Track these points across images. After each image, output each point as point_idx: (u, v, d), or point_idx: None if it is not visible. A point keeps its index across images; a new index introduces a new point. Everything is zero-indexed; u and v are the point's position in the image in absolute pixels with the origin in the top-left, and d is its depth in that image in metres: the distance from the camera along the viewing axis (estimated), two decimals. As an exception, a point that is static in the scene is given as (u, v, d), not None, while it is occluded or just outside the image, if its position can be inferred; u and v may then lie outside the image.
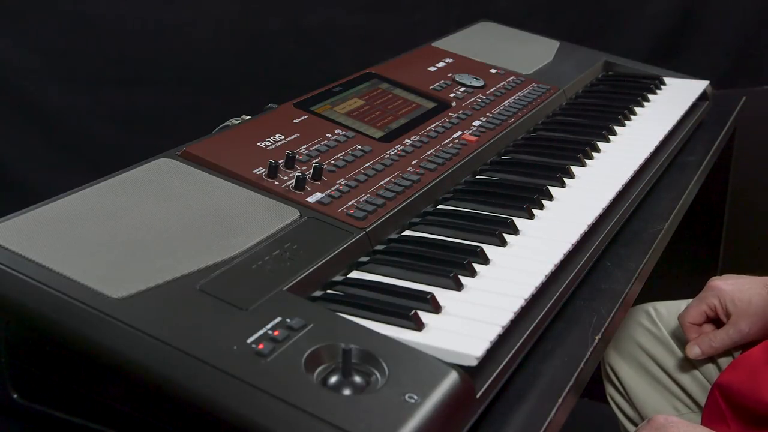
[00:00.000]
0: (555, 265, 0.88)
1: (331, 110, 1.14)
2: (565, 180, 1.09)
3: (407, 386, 0.65)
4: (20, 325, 0.73)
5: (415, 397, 0.64)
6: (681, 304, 1.22)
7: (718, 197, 1.63)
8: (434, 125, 1.16)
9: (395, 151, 1.07)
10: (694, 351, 1.11)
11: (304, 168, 0.98)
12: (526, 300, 0.81)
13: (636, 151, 1.19)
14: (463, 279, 0.84)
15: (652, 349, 1.20)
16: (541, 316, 0.82)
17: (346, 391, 0.65)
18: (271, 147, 1.01)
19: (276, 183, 0.94)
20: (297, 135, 1.05)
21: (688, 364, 1.17)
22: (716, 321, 1.13)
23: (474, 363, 0.71)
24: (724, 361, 1.12)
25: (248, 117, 1.13)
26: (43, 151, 1.82)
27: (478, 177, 1.12)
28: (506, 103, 1.29)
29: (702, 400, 1.14)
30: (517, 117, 1.25)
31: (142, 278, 0.74)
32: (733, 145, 1.55)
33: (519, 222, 0.96)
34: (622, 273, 0.97)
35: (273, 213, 0.89)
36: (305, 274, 0.80)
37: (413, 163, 1.05)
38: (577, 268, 0.91)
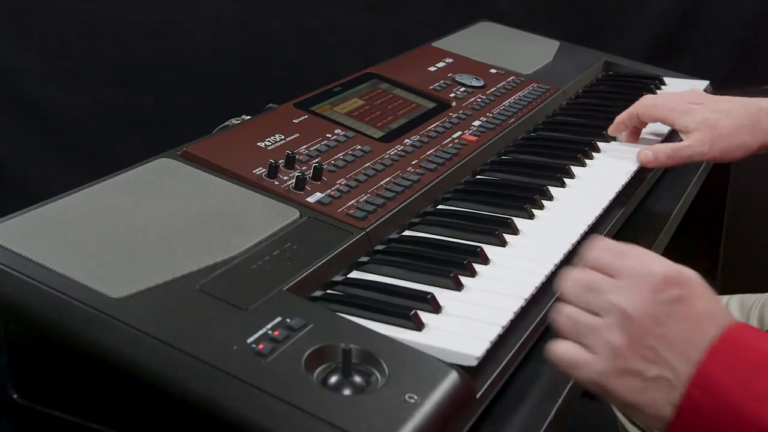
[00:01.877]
0: (555, 265, 0.88)
1: (331, 110, 1.14)
2: (565, 180, 1.09)
3: (407, 386, 0.65)
4: (20, 325, 0.73)
5: (415, 397, 0.64)
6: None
7: (718, 197, 1.63)
8: (434, 125, 1.16)
9: (395, 151, 1.07)
10: (648, 155, 1.09)
11: (304, 168, 0.98)
12: (526, 300, 0.81)
13: (636, 151, 1.19)
14: (463, 279, 0.84)
15: None
16: (541, 316, 0.82)
17: (346, 391, 0.65)
18: (271, 147, 1.01)
19: (276, 183, 0.94)
20: (297, 135, 1.05)
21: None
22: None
23: (474, 363, 0.71)
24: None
25: (248, 117, 1.13)
26: (43, 151, 1.82)
27: (478, 177, 1.12)
28: (506, 103, 1.29)
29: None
30: (517, 117, 1.25)
31: (142, 278, 0.74)
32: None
33: (519, 222, 0.97)
34: (622, 273, 0.97)
35: (273, 213, 0.89)
36: (305, 274, 0.80)
37: (413, 163, 1.05)
38: (577, 268, 0.91)
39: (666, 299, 0.64)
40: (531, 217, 0.99)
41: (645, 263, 0.67)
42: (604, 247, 0.70)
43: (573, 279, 0.70)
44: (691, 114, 1.07)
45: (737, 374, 0.61)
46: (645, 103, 1.15)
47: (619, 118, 1.19)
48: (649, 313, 0.64)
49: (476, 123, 1.20)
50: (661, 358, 0.63)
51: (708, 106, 1.08)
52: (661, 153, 1.07)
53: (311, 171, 0.96)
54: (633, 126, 1.19)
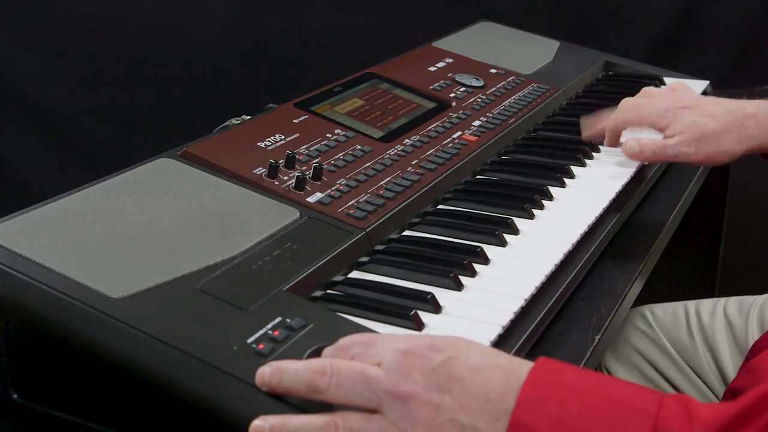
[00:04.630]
0: (555, 265, 0.88)
1: (331, 110, 1.14)
2: (565, 180, 1.09)
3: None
4: (20, 325, 0.73)
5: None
6: (677, 306, 1.22)
7: (718, 197, 1.63)
8: (434, 125, 1.16)
9: (395, 151, 1.07)
10: (635, 148, 1.06)
11: (304, 168, 0.98)
12: (526, 300, 0.81)
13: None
14: (464, 279, 0.84)
15: (649, 352, 1.20)
16: (541, 316, 0.82)
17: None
18: (271, 147, 1.01)
19: (276, 183, 0.94)
20: (297, 135, 1.05)
21: (684, 368, 1.17)
22: None
23: (474, 363, 0.71)
24: (725, 365, 1.12)
25: (248, 117, 1.13)
26: (43, 151, 1.82)
27: (478, 177, 1.12)
28: (506, 103, 1.29)
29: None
30: (517, 117, 1.25)
31: (142, 278, 0.74)
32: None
33: (519, 222, 0.97)
34: (622, 273, 0.97)
35: (273, 213, 0.89)
36: (305, 274, 0.80)
37: (413, 163, 1.05)
38: (577, 268, 0.91)
39: (438, 363, 0.61)
40: (531, 217, 0.99)
41: (404, 339, 0.63)
42: (352, 342, 0.65)
43: (336, 372, 0.61)
44: (679, 119, 1.07)
45: (549, 417, 0.58)
46: (630, 109, 1.12)
47: (600, 125, 1.15)
48: (428, 384, 0.60)
49: (476, 123, 1.20)
50: (464, 427, 0.59)
51: (695, 110, 1.07)
52: (647, 148, 1.06)
53: (311, 171, 0.96)
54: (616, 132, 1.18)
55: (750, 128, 1.04)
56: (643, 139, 1.08)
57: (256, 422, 0.61)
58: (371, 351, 0.63)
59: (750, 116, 1.05)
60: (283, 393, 0.63)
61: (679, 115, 1.07)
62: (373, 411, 0.61)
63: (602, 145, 1.18)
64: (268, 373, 0.64)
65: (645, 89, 1.16)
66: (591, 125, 1.17)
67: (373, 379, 0.61)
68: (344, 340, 0.65)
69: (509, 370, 0.62)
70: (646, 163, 1.15)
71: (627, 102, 1.14)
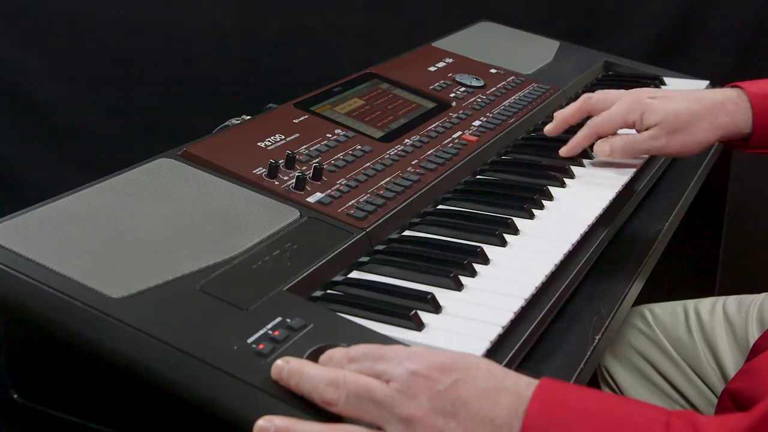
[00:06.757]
0: (555, 265, 0.88)
1: (331, 110, 1.14)
2: (565, 180, 1.09)
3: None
4: (20, 325, 0.73)
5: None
6: (677, 306, 1.22)
7: (718, 197, 1.63)
8: (434, 125, 1.16)
9: (395, 151, 1.07)
10: (604, 148, 1.08)
11: (304, 168, 0.98)
12: (526, 300, 0.81)
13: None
14: (464, 279, 0.84)
15: (648, 352, 1.20)
16: (541, 316, 0.82)
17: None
18: (271, 147, 1.01)
19: (276, 183, 0.94)
20: (297, 135, 1.05)
21: (684, 367, 1.16)
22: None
23: (474, 363, 0.71)
24: (726, 363, 1.12)
25: (248, 117, 1.13)
26: (43, 151, 1.82)
27: (478, 177, 1.12)
28: (506, 103, 1.29)
29: (699, 403, 1.14)
30: (517, 117, 1.25)
31: (142, 278, 0.74)
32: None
33: (519, 222, 0.97)
34: (622, 273, 0.97)
35: (273, 213, 0.89)
36: (305, 274, 0.80)
37: (413, 163, 1.05)
38: (577, 268, 0.91)
39: (445, 386, 0.61)
40: (531, 217, 0.99)
41: (413, 357, 0.63)
42: (362, 355, 0.65)
43: (346, 386, 0.62)
44: (649, 112, 1.06)
45: None
46: (599, 120, 1.10)
47: (577, 143, 1.13)
48: (433, 408, 0.60)
49: (476, 123, 1.20)
50: None
51: (663, 100, 1.07)
52: (617, 147, 1.08)
53: (311, 171, 0.96)
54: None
55: (720, 116, 1.04)
56: (612, 138, 1.08)
57: (261, 422, 0.61)
58: (380, 366, 0.63)
59: (718, 104, 1.05)
60: (298, 394, 0.64)
61: (648, 106, 1.07)
62: (378, 428, 0.61)
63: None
64: (287, 371, 0.64)
65: (606, 92, 1.14)
66: (568, 148, 1.14)
67: (379, 400, 0.61)
68: (354, 351, 0.65)
69: (516, 393, 0.62)
70: (638, 160, 1.15)
71: (594, 119, 1.12)
